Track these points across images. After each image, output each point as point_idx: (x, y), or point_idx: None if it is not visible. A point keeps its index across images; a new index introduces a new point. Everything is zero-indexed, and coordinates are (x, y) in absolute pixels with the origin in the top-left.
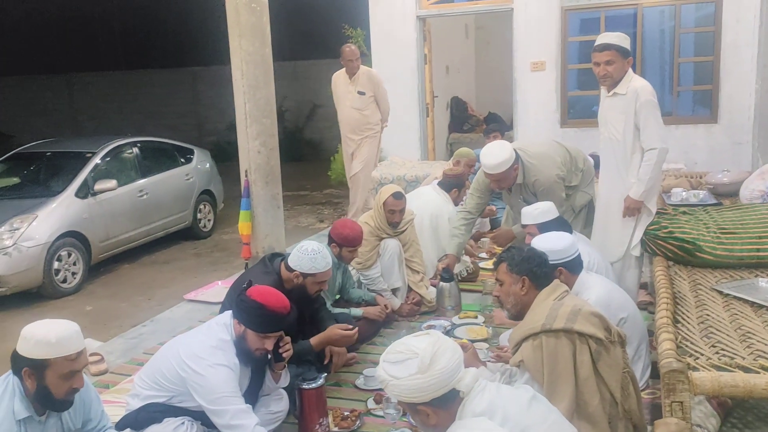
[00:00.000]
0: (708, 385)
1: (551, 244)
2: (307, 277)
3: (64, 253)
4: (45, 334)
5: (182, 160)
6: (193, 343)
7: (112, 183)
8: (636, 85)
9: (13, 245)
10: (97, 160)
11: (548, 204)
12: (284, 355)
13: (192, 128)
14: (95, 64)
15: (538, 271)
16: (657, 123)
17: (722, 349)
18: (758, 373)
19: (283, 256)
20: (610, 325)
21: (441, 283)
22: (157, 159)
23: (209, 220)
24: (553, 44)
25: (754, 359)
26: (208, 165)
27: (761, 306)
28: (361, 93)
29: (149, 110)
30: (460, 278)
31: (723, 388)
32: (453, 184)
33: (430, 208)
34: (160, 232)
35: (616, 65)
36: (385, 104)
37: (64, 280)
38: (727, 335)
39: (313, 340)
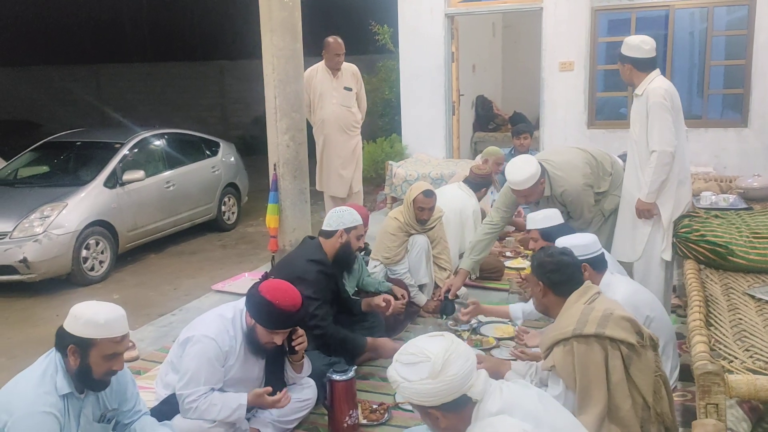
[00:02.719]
0: (744, 388)
1: (575, 240)
2: (351, 231)
3: (92, 241)
4: (94, 314)
5: (208, 152)
6: (200, 318)
7: (140, 174)
8: (651, 86)
9: (43, 232)
10: (125, 150)
11: (553, 210)
12: (297, 348)
13: (218, 121)
14: (123, 56)
15: (553, 278)
16: (661, 126)
17: (756, 353)
18: None
19: (314, 237)
20: (642, 329)
21: (443, 316)
22: (184, 151)
23: (233, 213)
24: (582, 44)
25: None
26: (233, 158)
27: None
28: (348, 89)
29: (176, 102)
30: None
31: (759, 392)
32: (481, 184)
33: (456, 204)
34: (186, 224)
35: (621, 70)
36: (365, 103)
37: (92, 269)
38: (761, 339)
39: (370, 341)
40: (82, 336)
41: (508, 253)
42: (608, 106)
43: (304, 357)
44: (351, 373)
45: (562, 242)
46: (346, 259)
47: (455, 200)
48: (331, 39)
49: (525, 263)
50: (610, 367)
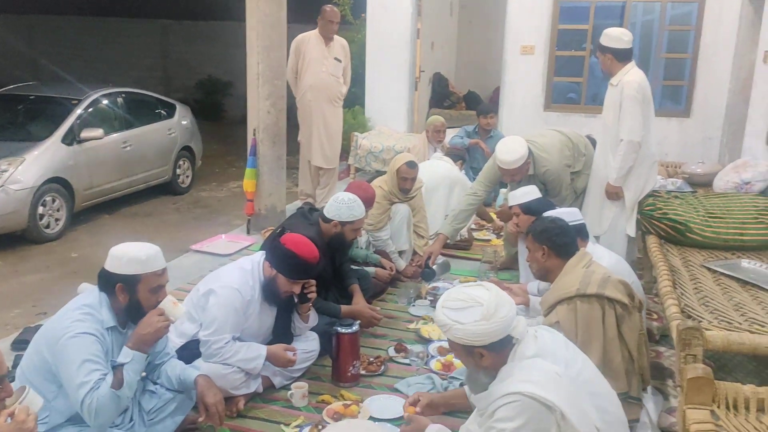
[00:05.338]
0: (719, 341)
1: (560, 211)
2: (345, 225)
3: (48, 198)
4: (135, 252)
5: (164, 114)
6: (220, 271)
7: (99, 132)
8: (625, 79)
9: (0, 187)
10: (83, 107)
11: (530, 186)
12: (309, 296)
13: (159, 83)
14: (58, 8)
15: (558, 241)
16: (631, 117)
17: (720, 315)
18: (762, 335)
19: (318, 210)
20: (633, 292)
21: (423, 281)
22: (141, 111)
23: (187, 177)
24: (543, 30)
25: (749, 325)
26: (188, 121)
27: (746, 282)
28: (338, 60)
29: (114, 60)
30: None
31: (732, 345)
32: (458, 156)
33: (443, 171)
34: (141, 185)
35: (601, 60)
36: (349, 78)
37: (47, 226)
38: (722, 304)
39: (344, 309)
40: (127, 273)
41: (472, 226)
42: (561, 90)
43: (311, 309)
44: (355, 327)
45: (548, 215)
46: (339, 245)
47: (442, 168)
48: (327, 7)
49: (490, 235)
50: (606, 324)
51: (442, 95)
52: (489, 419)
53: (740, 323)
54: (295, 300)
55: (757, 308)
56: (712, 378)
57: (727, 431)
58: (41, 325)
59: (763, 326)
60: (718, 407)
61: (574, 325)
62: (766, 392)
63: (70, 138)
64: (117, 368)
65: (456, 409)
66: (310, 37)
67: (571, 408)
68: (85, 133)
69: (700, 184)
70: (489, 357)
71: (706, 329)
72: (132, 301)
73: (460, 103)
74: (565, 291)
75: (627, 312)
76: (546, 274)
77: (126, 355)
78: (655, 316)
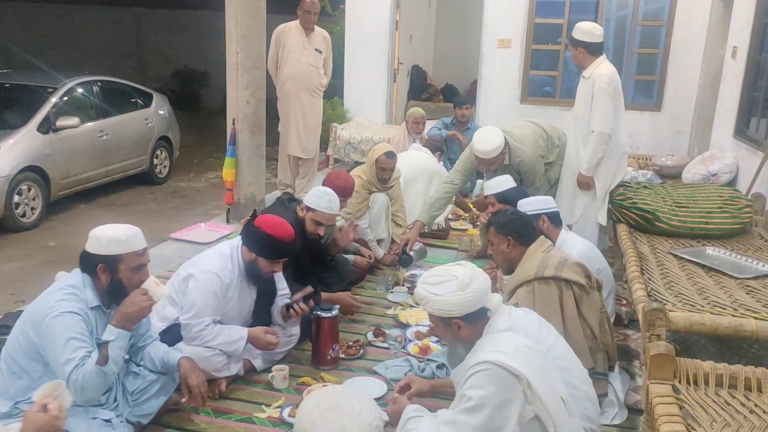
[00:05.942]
0: (681, 322)
1: (534, 199)
2: (308, 212)
3: (24, 187)
4: (114, 233)
5: (141, 103)
6: (199, 256)
7: (75, 120)
8: (597, 72)
9: None
10: (58, 95)
11: (505, 176)
12: (298, 311)
13: (134, 72)
14: None
15: (521, 230)
16: (603, 109)
17: (684, 298)
18: (722, 316)
19: (297, 200)
20: (590, 273)
21: (401, 267)
22: (117, 100)
23: (165, 167)
24: (520, 24)
25: (711, 308)
26: (166, 111)
27: (710, 269)
28: (318, 51)
29: (88, 48)
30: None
31: (693, 326)
32: (437, 148)
33: (422, 163)
34: (118, 175)
35: (573, 53)
36: (330, 69)
37: (23, 215)
38: (686, 288)
39: (324, 295)
40: (108, 254)
41: (450, 216)
42: (537, 84)
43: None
44: (335, 312)
45: (523, 203)
46: (303, 232)
47: (421, 160)
48: None
49: (467, 225)
50: (564, 304)
51: (420, 87)
52: (461, 387)
53: (702, 306)
54: (287, 311)
55: (720, 292)
56: (673, 355)
57: (687, 404)
58: (23, 311)
59: (724, 309)
60: (680, 382)
61: (532, 306)
62: (725, 368)
63: (46, 126)
64: (102, 345)
65: (444, 396)
66: (291, 28)
67: (538, 379)
68: (60, 122)
69: (670, 175)
70: (466, 328)
71: (670, 311)
72: (114, 281)
73: (438, 96)
74: (524, 275)
75: (585, 292)
76: (511, 265)
77: (110, 333)
78: (624, 302)
